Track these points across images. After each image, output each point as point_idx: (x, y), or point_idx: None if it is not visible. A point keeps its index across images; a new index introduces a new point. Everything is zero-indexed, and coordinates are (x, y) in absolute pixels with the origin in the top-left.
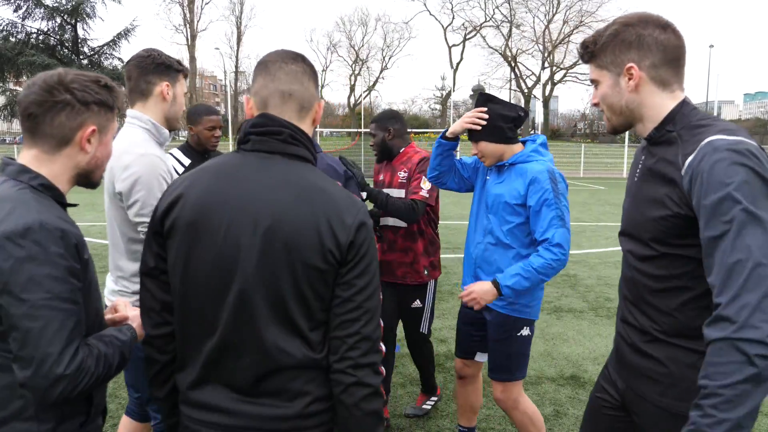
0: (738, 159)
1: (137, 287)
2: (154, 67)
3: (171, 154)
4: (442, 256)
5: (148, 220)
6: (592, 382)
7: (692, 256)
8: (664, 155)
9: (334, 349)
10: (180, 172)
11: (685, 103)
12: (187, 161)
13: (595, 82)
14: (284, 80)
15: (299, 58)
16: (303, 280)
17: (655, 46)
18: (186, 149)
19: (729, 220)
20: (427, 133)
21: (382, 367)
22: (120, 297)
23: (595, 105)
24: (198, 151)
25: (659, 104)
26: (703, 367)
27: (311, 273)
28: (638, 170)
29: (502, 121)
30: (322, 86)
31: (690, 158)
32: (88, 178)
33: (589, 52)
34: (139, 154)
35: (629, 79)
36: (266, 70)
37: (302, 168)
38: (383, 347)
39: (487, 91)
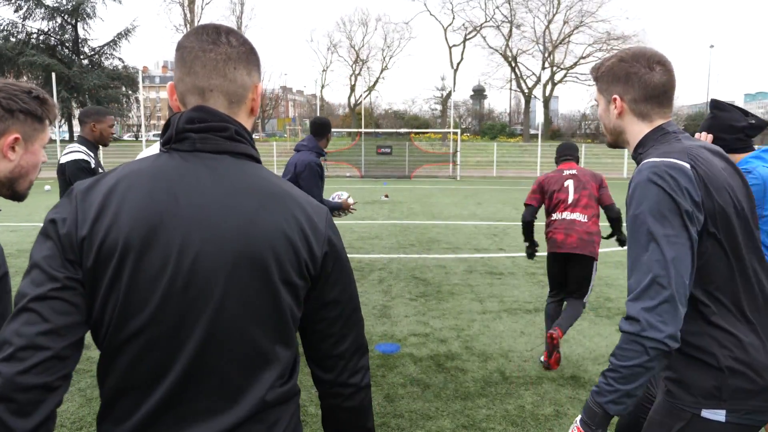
0: (653, 178)
1: None
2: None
3: (77, 150)
4: (442, 256)
5: None
6: (593, 382)
7: None
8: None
9: (330, 368)
10: (93, 165)
11: (658, 129)
12: (92, 155)
13: (597, 100)
14: (201, 74)
15: (221, 41)
16: (284, 302)
17: (638, 84)
18: (85, 143)
19: (638, 236)
20: (427, 133)
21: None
22: None
23: (600, 118)
24: (95, 145)
25: (637, 131)
26: (614, 350)
27: (290, 291)
28: None
29: (729, 132)
30: (323, 86)
31: (633, 175)
32: (13, 189)
33: (594, 77)
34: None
35: (614, 106)
36: (183, 60)
37: (256, 169)
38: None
39: (717, 99)
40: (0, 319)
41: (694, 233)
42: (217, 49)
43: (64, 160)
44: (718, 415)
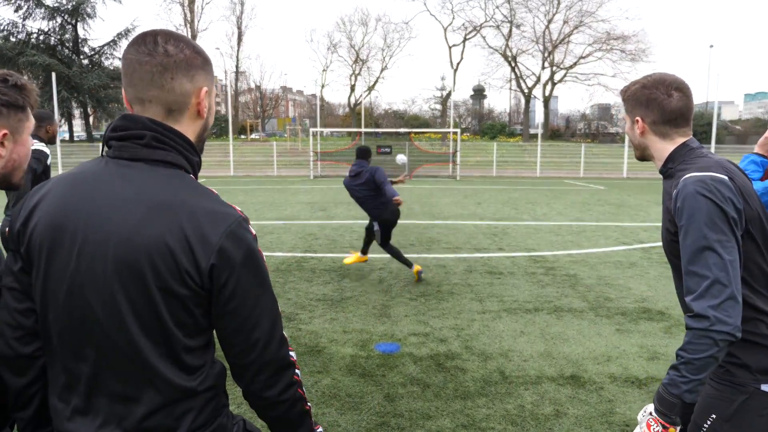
0: (700, 190)
1: None
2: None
3: (41, 149)
4: (442, 255)
5: None
6: (592, 381)
7: None
8: (667, 188)
9: (239, 376)
10: (49, 161)
11: (682, 146)
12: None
13: (625, 118)
14: (139, 86)
15: (158, 51)
16: (162, 307)
17: (657, 108)
18: (41, 142)
19: (694, 242)
20: (427, 133)
21: (297, 372)
22: None
23: (627, 134)
24: (49, 144)
25: (660, 148)
26: (683, 345)
27: (169, 299)
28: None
29: None
30: (323, 86)
31: (675, 190)
32: (8, 181)
33: (622, 98)
34: None
35: (637, 127)
36: (125, 71)
37: (166, 176)
38: (293, 356)
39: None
40: None
41: (739, 237)
42: (153, 60)
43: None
44: None
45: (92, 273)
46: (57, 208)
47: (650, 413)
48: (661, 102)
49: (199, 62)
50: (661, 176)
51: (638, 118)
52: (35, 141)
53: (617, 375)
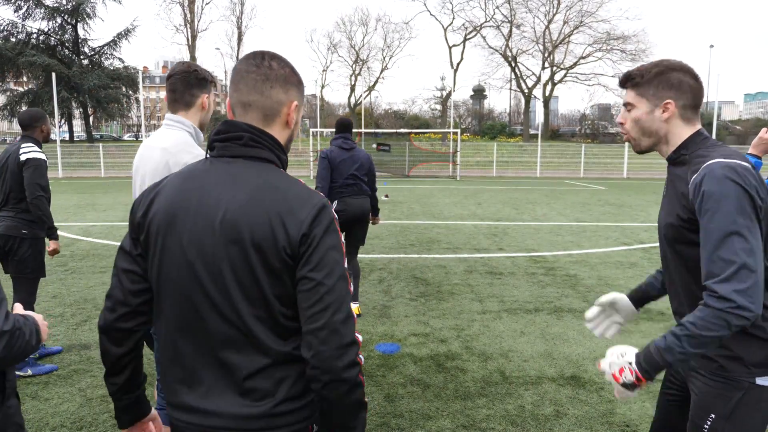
0: (730, 176)
1: None
2: (197, 81)
3: (38, 150)
4: (442, 256)
5: None
6: (593, 382)
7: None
8: (681, 174)
9: (308, 344)
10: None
11: (698, 134)
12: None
13: (628, 105)
14: (244, 91)
15: (264, 65)
16: (262, 278)
17: (689, 91)
18: (36, 142)
19: (721, 226)
20: (427, 133)
21: (360, 356)
22: None
23: (621, 124)
24: (42, 144)
25: (679, 133)
26: (692, 318)
27: (268, 271)
28: (665, 185)
29: None
30: (323, 86)
31: (695, 176)
32: None
33: (635, 82)
34: (195, 155)
35: (663, 111)
36: (233, 79)
37: (261, 169)
38: (359, 337)
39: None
40: None
41: (763, 225)
42: (258, 71)
43: (26, 156)
44: None
45: (202, 250)
46: (171, 198)
47: (628, 362)
48: (691, 86)
49: (295, 80)
50: (666, 166)
51: (669, 101)
52: (31, 145)
53: None
